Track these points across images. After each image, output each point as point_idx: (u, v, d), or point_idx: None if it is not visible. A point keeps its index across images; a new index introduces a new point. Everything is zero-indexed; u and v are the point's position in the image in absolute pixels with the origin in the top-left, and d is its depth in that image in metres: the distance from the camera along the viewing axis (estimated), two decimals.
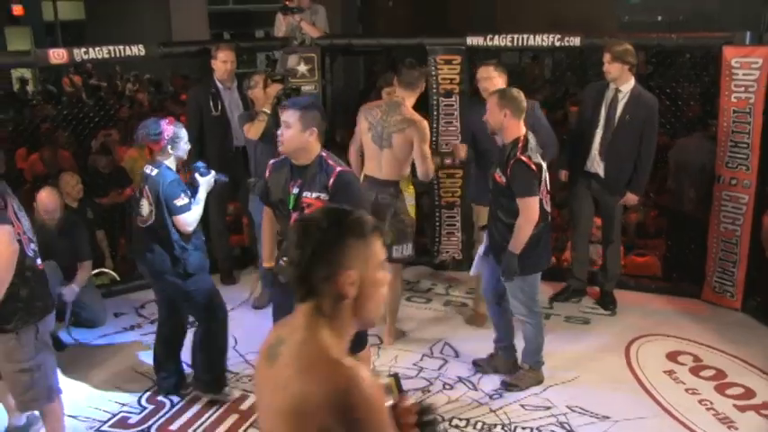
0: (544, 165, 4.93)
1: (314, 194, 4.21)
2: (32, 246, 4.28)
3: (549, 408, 5.10)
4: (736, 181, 6.38)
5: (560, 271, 7.16)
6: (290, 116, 4.25)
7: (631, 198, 6.36)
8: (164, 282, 5.08)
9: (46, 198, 6.07)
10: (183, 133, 5.04)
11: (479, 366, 5.61)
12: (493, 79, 5.74)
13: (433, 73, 7.14)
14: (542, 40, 6.88)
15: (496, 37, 7.00)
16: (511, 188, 4.87)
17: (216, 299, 5.22)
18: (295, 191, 4.26)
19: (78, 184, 7.16)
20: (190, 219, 4.96)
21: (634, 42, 6.24)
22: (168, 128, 4.95)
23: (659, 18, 21.71)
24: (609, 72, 6.15)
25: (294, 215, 4.22)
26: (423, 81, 5.84)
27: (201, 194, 5.10)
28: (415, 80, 5.73)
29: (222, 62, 6.81)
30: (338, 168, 4.23)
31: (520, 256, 4.90)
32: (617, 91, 6.19)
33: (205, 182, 5.14)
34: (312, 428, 1.95)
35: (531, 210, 4.83)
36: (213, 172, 5.22)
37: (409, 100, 5.76)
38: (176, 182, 4.95)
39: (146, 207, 4.94)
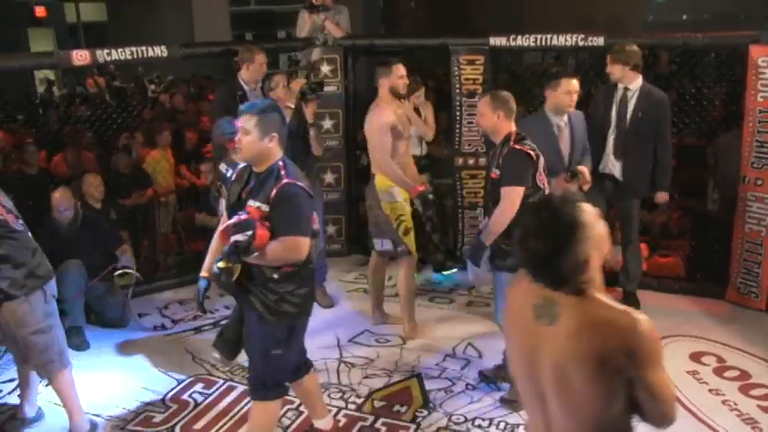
0: (541, 155, 4.83)
1: (256, 203, 3.97)
2: (20, 221, 4.61)
3: None
4: (761, 181, 6.32)
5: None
6: (247, 121, 3.98)
7: (662, 196, 6.36)
8: None
9: (59, 198, 6.34)
10: None
11: (486, 377, 5.46)
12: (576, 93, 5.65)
13: (456, 73, 7.14)
14: (566, 39, 6.85)
15: (519, 37, 6.98)
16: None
17: None
18: (244, 197, 4.09)
19: (101, 185, 7.26)
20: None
21: (659, 42, 6.23)
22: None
23: (684, 17, 21.59)
24: (612, 74, 6.22)
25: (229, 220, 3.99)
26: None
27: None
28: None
29: (260, 64, 6.82)
30: (285, 180, 3.93)
31: (513, 253, 4.70)
32: (626, 90, 6.21)
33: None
34: (610, 369, 2.34)
35: (512, 200, 4.69)
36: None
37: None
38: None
39: (224, 207, 5.02)
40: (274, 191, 3.92)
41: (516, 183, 4.69)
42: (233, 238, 3.86)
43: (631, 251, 6.58)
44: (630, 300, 6.58)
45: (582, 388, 2.38)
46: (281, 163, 4.02)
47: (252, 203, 3.98)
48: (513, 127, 4.87)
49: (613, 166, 6.31)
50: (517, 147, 4.73)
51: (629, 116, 6.19)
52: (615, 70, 6.17)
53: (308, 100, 6.45)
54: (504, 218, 4.72)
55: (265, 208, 3.93)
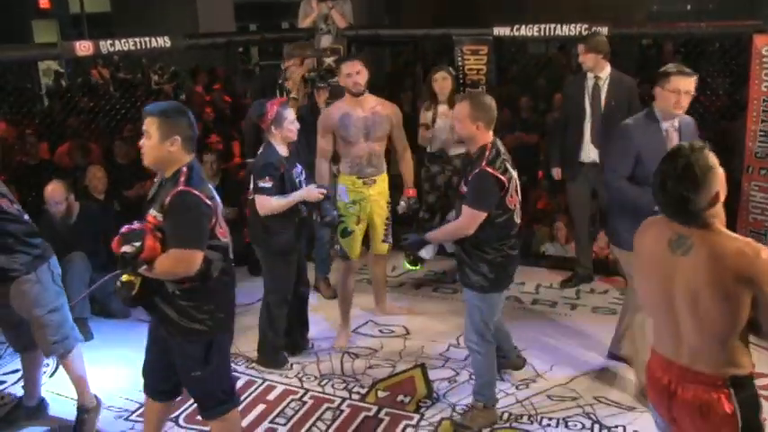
0: (514, 174, 4.54)
1: (153, 212, 3.69)
2: (16, 206, 4.63)
3: (575, 398, 5.08)
4: (765, 171, 6.32)
5: (566, 260, 7.45)
6: (148, 124, 3.70)
7: None
8: (257, 249, 5.54)
9: (51, 191, 6.38)
10: (288, 113, 5.29)
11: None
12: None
13: (460, 63, 7.12)
14: (570, 29, 6.84)
15: (523, 27, 6.97)
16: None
17: (286, 280, 5.51)
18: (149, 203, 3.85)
19: (104, 177, 7.30)
20: (265, 203, 5.20)
21: (663, 32, 6.23)
22: (273, 107, 5.23)
23: (689, 7, 21.50)
24: (584, 62, 6.38)
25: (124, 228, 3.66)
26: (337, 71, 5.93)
27: (294, 196, 5.25)
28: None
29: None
30: (179, 188, 3.60)
31: (484, 274, 4.54)
32: (596, 78, 6.38)
33: (305, 192, 5.27)
34: (737, 291, 2.78)
35: (469, 221, 4.46)
36: (329, 208, 5.40)
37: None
38: (270, 165, 5.19)
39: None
40: (168, 198, 3.60)
41: (477, 207, 4.43)
42: (121, 249, 3.57)
43: None
44: None
45: (712, 309, 2.83)
46: (184, 169, 3.68)
47: (150, 212, 3.69)
48: (490, 138, 4.53)
49: (593, 152, 6.44)
50: (488, 170, 4.38)
51: (602, 104, 6.35)
52: (588, 59, 6.33)
53: (319, 88, 6.49)
54: (458, 233, 4.57)
55: (160, 218, 3.64)
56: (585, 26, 6.76)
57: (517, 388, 5.24)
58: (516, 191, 4.56)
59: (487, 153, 4.44)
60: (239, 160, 9.83)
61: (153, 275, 3.63)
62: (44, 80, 16.95)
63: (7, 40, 14.45)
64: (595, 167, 6.41)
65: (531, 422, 4.82)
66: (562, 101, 6.93)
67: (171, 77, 14.86)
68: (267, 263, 5.52)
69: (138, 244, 3.53)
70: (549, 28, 6.89)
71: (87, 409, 4.88)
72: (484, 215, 4.43)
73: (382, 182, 5.89)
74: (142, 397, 5.18)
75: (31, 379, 5.02)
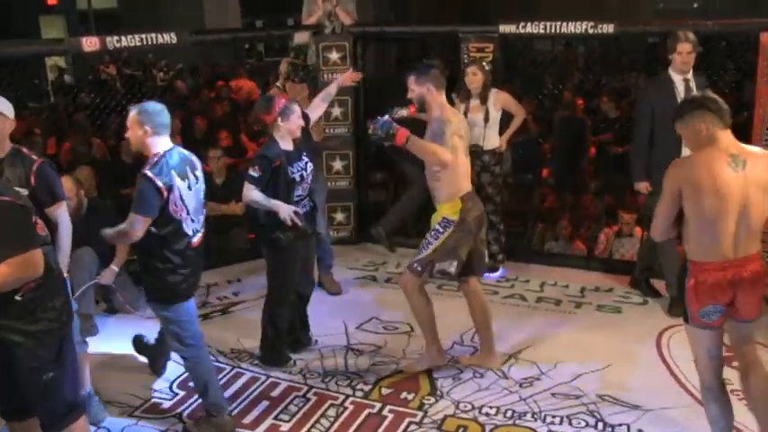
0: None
1: None
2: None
3: (579, 396, 5.08)
4: None
5: (569, 258, 7.49)
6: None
7: None
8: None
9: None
10: (296, 108, 5.32)
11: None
12: None
13: (466, 61, 7.12)
14: (575, 27, 6.81)
15: (529, 24, 6.96)
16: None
17: (287, 278, 5.46)
18: None
19: (91, 177, 7.35)
20: (246, 191, 5.17)
21: (670, 29, 6.17)
22: (281, 101, 5.28)
23: (695, 5, 21.47)
24: (688, 63, 5.94)
25: None
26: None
27: (271, 204, 5.15)
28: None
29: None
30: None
31: (147, 287, 4.70)
32: (687, 81, 5.96)
33: (279, 209, 5.14)
34: None
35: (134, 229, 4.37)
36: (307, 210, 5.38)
37: None
38: (264, 157, 5.19)
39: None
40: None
41: (139, 212, 4.33)
42: None
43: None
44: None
45: (760, 206, 3.82)
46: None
47: None
48: (167, 145, 4.44)
49: None
50: (147, 174, 4.29)
51: None
52: (692, 58, 5.94)
53: (294, 81, 6.47)
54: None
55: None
56: (591, 24, 6.73)
57: (521, 386, 5.23)
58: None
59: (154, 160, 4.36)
60: (252, 154, 9.88)
61: None
62: (51, 76, 17.02)
63: (15, 36, 14.50)
64: None
65: (535, 420, 4.81)
66: (638, 107, 6.42)
67: (177, 74, 14.91)
68: (267, 259, 5.50)
69: None
70: (555, 25, 6.86)
71: None
72: (146, 219, 4.37)
73: None
74: (147, 393, 5.23)
75: None
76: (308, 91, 6.53)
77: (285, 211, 5.12)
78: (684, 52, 5.90)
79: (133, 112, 4.42)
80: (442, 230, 5.17)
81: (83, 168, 7.52)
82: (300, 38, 7.62)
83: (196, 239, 4.56)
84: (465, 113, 6.66)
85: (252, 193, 5.16)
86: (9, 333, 3.52)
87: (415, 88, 5.18)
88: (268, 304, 5.55)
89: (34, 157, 4.54)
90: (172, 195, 4.32)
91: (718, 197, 3.77)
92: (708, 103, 3.89)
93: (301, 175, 5.31)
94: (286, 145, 5.26)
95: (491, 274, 7.04)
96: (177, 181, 4.34)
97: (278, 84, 6.53)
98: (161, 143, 4.40)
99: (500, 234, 6.95)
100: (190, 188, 4.46)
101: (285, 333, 5.61)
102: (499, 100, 6.76)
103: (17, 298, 3.49)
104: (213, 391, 4.73)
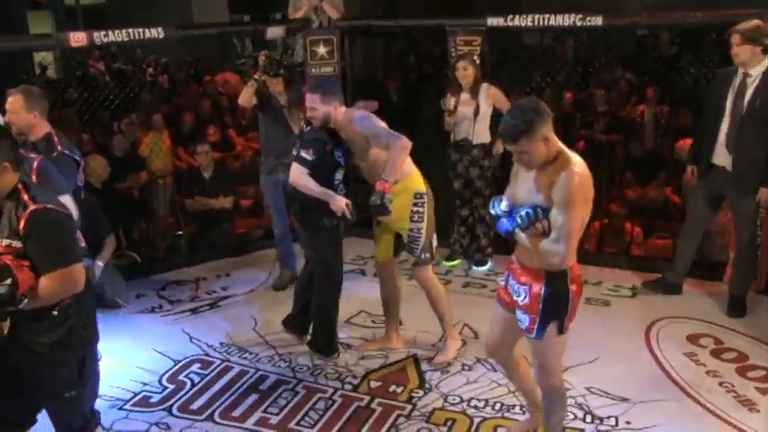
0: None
1: (3, 240, 3.35)
2: None
3: (567, 389, 5.07)
4: None
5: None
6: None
7: (764, 193, 5.72)
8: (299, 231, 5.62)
9: None
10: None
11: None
12: None
13: (453, 54, 7.11)
14: (563, 20, 6.80)
15: (517, 17, 6.94)
16: None
17: (333, 262, 5.47)
18: None
19: (108, 166, 7.41)
20: (299, 175, 5.10)
21: (658, 22, 6.14)
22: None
23: None
24: (737, 55, 5.59)
25: None
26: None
27: (326, 194, 5.11)
28: None
29: None
30: (32, 207, 3.29)
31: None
32: (745, 75, 5.63)
33: (333, 200, 5.11)
34: None
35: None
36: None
37: None
38: (319, 140, 5.15)
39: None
40: (22, 222, 3.27)
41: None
42: None
43: (740, 251, 6.12)
44: (734, 303, 6.14)
45: None
46: (20, 186, 3.36)
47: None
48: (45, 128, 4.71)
49: (725, 158, 5.81)
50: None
51: (745, 104, 5.62)
52: (743, 51, 5.55)
53: (269, 75, 6.48)
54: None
55: (17, 244, 3.28)
56: (579, 16, 6.70)
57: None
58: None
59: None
60: (240, 149, 9.90)
61: (38, 305, 3.34)
62: (38, 72, 16.95)
63: (2, 32, 14.41)
64: (724, 173, 5.85)
65: (524, 412, 4.80)
66: (707, 95, 6.23)
67: (163, 69, 14.88)
68: (310, 242, 5.48)
69: (8, 282, 3.18)
70: (543, 18, 6.84)
71: None
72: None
73: None
74: (136, 387, 5.22)
75: None
76: (283, 85, 6.56)
77: (339, 203, 5.10)
78: (734, 44, 5.62)
79: None
80: (422, 208, 5.22)
81: (95, 156, 7.52)
82: (274, 32, 7.59)
83: None
84: (455, 107, 6.68)
85: (304, 178, 5.08)
86: (37, 347, 3.43)
87: (320, 107, 5.10)
88: (318, 293, 5.49)
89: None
90: None
91: None
92: None
93: (345, 160, 5.32)
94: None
95: (479, 268, 7.08)
96: None
97: (256, 77, 6.52)
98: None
99: (489, 228, 6.95)
100: None
101: (335, 323, 5.62)
102: (490, 95, 6.76)
103: (54, 313, 3.41)
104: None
